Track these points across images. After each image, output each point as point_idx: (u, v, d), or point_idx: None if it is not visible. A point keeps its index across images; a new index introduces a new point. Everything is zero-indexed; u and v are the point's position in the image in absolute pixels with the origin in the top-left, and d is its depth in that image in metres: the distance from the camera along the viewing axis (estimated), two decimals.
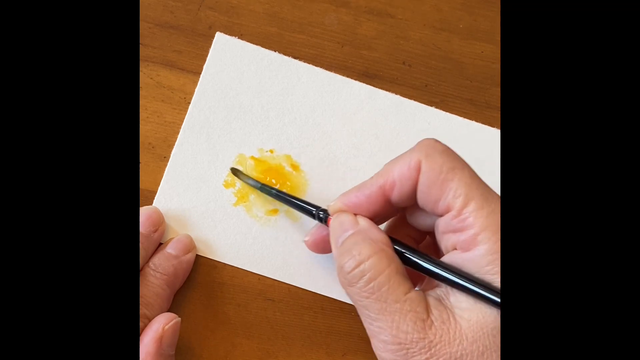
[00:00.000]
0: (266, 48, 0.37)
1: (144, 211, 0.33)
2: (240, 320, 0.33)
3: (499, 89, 0.37)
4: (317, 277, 0.34)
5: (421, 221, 0.30)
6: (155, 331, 0.29)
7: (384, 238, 0.28)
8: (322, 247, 0.32)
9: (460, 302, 0.26)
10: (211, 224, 0.34)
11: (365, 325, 0.28)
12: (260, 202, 0.35)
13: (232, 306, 0.34)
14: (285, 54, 0.37)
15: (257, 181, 0.34)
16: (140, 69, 0.36)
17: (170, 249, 0.32)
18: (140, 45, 0.36)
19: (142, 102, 0.35)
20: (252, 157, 0.35)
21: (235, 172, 0.35)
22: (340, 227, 0.29)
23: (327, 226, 0.30)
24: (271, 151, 0.35)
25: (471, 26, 0.38)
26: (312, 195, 0.35)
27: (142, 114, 0.35)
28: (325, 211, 0.31)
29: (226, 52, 0.36)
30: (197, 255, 0.34)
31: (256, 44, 0.37)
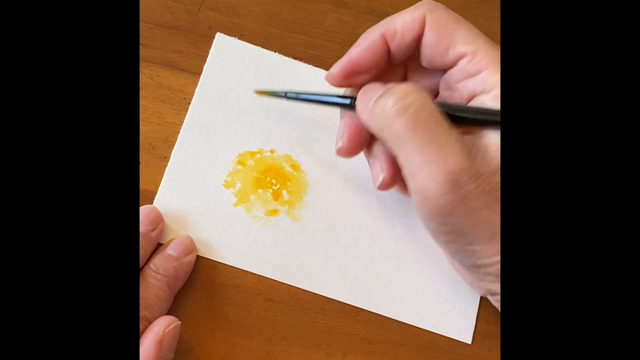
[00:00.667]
0: (266, 48, 0.37)
1: (142, 210, 0.33)
2: (240, 321, 0.33)
3: None
4: (317, 278, 0.34)
5: (426, 83, 0.31)
6: (156, 334, 0.29)
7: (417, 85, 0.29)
8: (358, 141, 0.31)
9: (492, 140, 0.28)
10: (211, 224, 0.34)
11: (408, 164, 0.28)
12: (260, 203, 0.35)
13: (232, 307, 0.34)
14: (285, 54, 0.37)
15: (280, 91, 0.34)
16: (140, 69, 0.36)
17: (170, 250, 0.32)
18: (141, 46, 0.36)
19: (142, 102, 0.35)
20: (253, 157, 0.35)
21: (260, 92, 0.35)
22: (371, 89, 0.30)
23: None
24: (271, 151, 0.35)
25: None
26: (313, 195, 0.35)
27: (142, 115, 0.35)
28: (353, 98, 0.31)
29: (226, 52, 0.36)
30: (197, 255, 0.34)
31: (256, 45, 0.37)
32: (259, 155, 0.35)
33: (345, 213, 0.35)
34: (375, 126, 0.29)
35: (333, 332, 0.34)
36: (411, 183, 0.28)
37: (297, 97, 0.33)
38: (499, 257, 0.28)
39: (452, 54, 0.29)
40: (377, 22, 0.38)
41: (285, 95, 0.34)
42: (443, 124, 0.28)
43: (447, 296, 0.35)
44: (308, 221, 0.35)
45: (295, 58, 0.37)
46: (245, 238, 0.34)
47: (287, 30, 0.37)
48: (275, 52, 0.37)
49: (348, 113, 0.31)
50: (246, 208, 0.35)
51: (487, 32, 0.38)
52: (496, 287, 0.30)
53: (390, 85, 0.29)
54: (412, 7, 0.30)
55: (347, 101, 0.31)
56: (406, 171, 0.28)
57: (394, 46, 0.30)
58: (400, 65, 0.32)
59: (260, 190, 0.35)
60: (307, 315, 0.34)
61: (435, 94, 0.32)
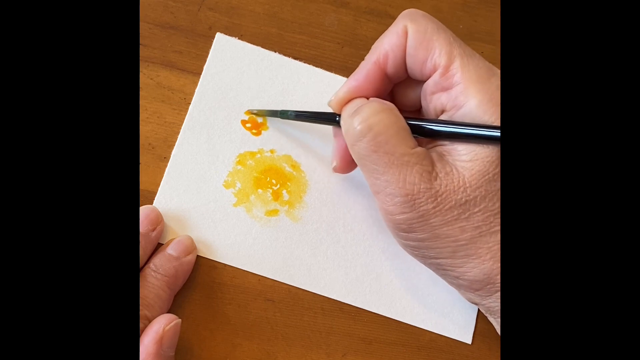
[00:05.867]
0: (266, 48, 0.37)
1: (142, 210, 0.33)
2: (240, 321, 0.33)
3: None
4: (317, 278, 0.34)
5: (410, 95, 0.32)
6: (156, 332, 0.29)
7: (390, 104, 0.30)
8: (351, 159, 0.32)
9: (462, 155, 0.28)
10: (211, 224, 0.34)
11: (371, 182, 0.29)
12: (260, 203, 0.35)
13: (232, 307, 0.34)
14: (285, 54, 0.37)
15: (274, 110, 0.35)
16: (140, 69, 0.36)
17: (171, 250, 0.32)
18: (140, 46, 0.36)
19: (142, 102, 0.35)
20: (253, 157, 0.35)
21: (252, 112, 0.36)
22: (350, 105, 0.30)
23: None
24: (272, 151, 0.35)
25: (471, 26, 0.38)
26: (313, 195, 0.35)
27: (142, 115, 0.35)
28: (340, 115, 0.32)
29: (226, 52, 0.36)
30: (197, 255, 0.34)
31: (256, 45, 0.37)
32: (259, 155, 0.35)
33: (345, 213, 0.35)
34: (346, 143, 0.30)
35: (333, 332, 0.34)
36: (376, 199, 0.29)
37: (290, 116, 0.34)
38: (464, 269, 0.29)
39: (429, 65, 0.29)
40: (377, 22, 0.38)
41: (279, 114, 0.34)
42: (407, 143, 0.28)
43: (447, 296, 0.35)
44: (308, 221, 0.35)
45: (295, 58, 0.37)
46: (245, 238, 0.34)
47: (287, 30, 0.37)
48: (275, 52, 0.37)
49: (339, 131, 0.32)
50: (246, 208, 0.35)
51: (487, 32, 0.38)
52: (473, 296, 0.30)
53: (363, 102, 0.30)
54: (393, 24, 0.30)
55: (336, 118, 0.32)
56: (370, 188, 0.29)
57: (390, 68, 0.30)
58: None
59: (260, 190, 0.35)
60: (307, 315, 0.34)
61: (418, 106, 0.32)
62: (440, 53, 0.29)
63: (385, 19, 0.38)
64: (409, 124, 0.29)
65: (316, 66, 0.37)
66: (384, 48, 0.30)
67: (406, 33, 0.30)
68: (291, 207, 0.35)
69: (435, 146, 0.29)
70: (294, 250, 0.34)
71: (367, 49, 0.37)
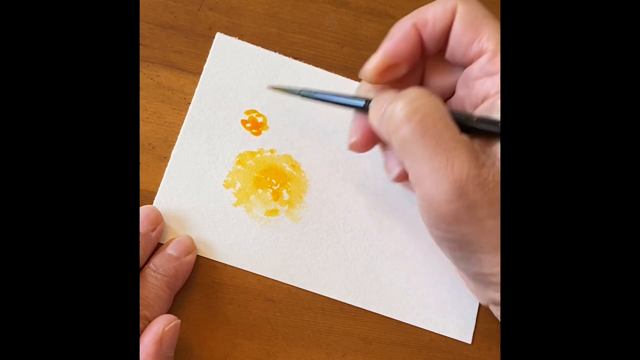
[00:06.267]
0: (266, 48, 0.37)
1: (142, 210, 0.33)
2: (240, 321, 0.33)
3: None
4: (317, 278, 0.34)
5: (439, 82, 0.31)
6: (156, 332, 0.29)
7: (433, 92, 0.29)
8: (371, 137, 0.31)
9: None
10: (211, 224, 0.34)
11: (414, 170, 0.28)
12: (260, 203, 0.35)
13: (232, 307, 0.34)
14: (285, 54, 0.37)
15: (294, 89, 0.34)
16: (140, 69, 0.36)
17: (171, 250, 0.32)
18: (140, 46, 0.36)
19: (142, 102, 0.35)
20: (253, 157, 0.35)
21: (274, 88, 0.35)
22: (384, 96, 0.29)
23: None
24: (272, 151, 0.35)
25: None
26: (313, 195, 0.35)
27: (142, 115, 0.35)
28: (367, 100, 0.30)
29: (226, 52, 0.36)
30: (197, 255, 0.34)
31: (256, 45, 0.37)
32: (259, 155, 0.35)
33: (345, 213, 0.35)
34: (385, 131, 0.29)
35: (333, 332, 0.34)
36: (417, 189, 0.28)
37: (310, 95, 0.33)
38: None
39: (475, 48, 0.29)
40: (377, 22, 0.38)
41: (299, 93, 0.33)
42: (452, 129, 0.27)
43: (447, 296, 0.35)
44: (308, 221, 0.35)
45: (295, 58, 0.37)
46: (245, 238, 0.34)
47: (287, 30, 0.37)
48: (275, 52, 0.37)
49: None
50: (246, 208, 0.35)
51: None
52: (496, 295, 0.30)
53: (398, 92, 0.29)
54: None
55: (361, 103, 0.31)
56: (412, 177, 0.28)
57: (426, 35, 0.30)
58: (418, 65, 0.32)
59: (260, 190, 0.35)
60: (307, 315, 0.34)
61: (450, 94, 0.32)
62: (489, 38, 0.28)
63: (385, 19, 0.38)
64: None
65: (316, 66, 0.37)
66: (426, 15, 0.30)
67: (454, 12, 0.29)
68: (291, 207, 0.35)
69: (477, 137, 0.28)
70: (294, 250, 0.34)
71: (367, 49, 0.37)
